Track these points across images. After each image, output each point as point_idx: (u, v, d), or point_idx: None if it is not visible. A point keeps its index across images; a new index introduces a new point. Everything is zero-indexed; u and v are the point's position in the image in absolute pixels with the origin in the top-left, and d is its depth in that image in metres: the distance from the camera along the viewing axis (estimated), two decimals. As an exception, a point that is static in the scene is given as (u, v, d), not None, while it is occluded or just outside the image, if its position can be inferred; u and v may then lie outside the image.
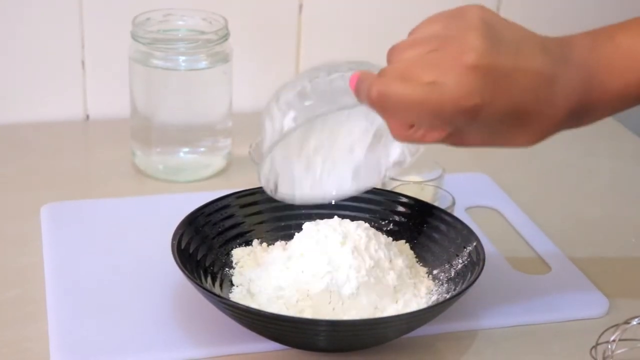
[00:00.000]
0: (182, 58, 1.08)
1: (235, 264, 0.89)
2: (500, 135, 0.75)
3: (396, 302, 0.83)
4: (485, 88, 0.71)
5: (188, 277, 0.81)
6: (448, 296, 0.84)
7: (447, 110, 0.71)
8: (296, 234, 0.88)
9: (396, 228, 0.93)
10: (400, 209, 0.94)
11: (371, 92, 0.71)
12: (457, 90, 0.70)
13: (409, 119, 0.73)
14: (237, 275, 0.88)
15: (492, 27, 0.73)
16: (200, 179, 1.12)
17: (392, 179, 1.00)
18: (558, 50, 0.75)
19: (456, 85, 0.70)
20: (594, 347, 0.80)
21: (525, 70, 0.73)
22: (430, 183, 1.01)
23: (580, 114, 0.76)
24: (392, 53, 0.74)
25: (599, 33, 0.79)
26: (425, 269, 0.89)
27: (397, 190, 0.96)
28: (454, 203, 0.96)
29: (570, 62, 0.75)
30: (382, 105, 0.72)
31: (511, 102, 0.73)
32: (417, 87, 0.71)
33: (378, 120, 0.79)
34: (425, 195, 0.98)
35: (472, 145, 0.76)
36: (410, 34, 0.75)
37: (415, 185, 0.99)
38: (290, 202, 0.84)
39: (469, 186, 1.10)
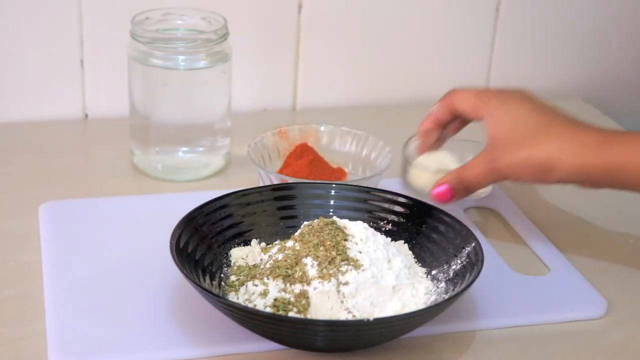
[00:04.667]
0: (181, 57, 1.08)
1: (234, 263, 0.89)
2: None
3: (394, 302, 0.83)
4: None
5: (186, 276, 0.80)
6: (446, 297, 0.83)
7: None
8: (294, 233, 0.88)
9: (395, 228, 0.93)
10: (399, 209, 0.94)
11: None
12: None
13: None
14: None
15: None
16: (199, 178, 1.12)
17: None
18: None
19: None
20: None
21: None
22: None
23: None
24: None
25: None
26: (423, 270, 0.89)
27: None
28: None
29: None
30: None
31: None
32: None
33: None
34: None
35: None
36: None
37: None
38: None
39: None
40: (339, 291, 0.81)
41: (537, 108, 0.93)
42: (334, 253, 0.83)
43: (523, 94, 0.95)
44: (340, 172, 1.05)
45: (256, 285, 0.83)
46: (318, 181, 0.97)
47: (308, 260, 0.83)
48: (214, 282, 0.86)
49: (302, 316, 0.80)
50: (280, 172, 1.02)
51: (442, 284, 0.87)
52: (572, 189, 1.13)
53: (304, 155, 1.03)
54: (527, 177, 0.92)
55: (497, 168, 0.92)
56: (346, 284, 0.81)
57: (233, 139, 1.15)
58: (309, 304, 0.81)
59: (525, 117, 0.92)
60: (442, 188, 0.95)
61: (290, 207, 0.94)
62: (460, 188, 0.95)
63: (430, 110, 1.00)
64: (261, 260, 0.87)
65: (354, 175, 1.05)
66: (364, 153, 1.06)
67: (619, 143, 0.89)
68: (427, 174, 0.99)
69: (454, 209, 0.99)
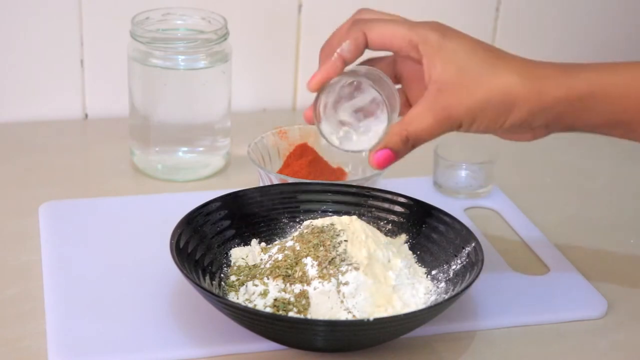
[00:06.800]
0: (181, 57, 1.08)
1: (234, 263, 0.89)
2: None
3: (394, 302, 0.83)
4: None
5: (186, 276, 0.80)
6: (446, 297, 0.84)
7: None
8: (294, 233, 0.88)
9: (395, 228, 0.93)
10: (399, 209, 0.94)
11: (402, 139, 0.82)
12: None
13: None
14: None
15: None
16: (199, 178, 1.12)
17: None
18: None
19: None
20: None
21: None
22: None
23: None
24: None
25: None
26: (423, 270, 0.89)
27: None
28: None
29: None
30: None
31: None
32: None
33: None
34: None
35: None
36: None
37: None
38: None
39: (468, 187, 1.10)
40: (339, 291, 0.81)
41: (479, 42, 0.81)
42: (334, 253, 0.83)
43: (445, 25, 0.83)
44: (340, 172, 1.05)
45: (256, 285, 0.83)
46: (318, 181, 0.97)
47: (308, 260, 0.83)
48: (214, 282, 0.86)
49: (302, 316, 0.81)
50: (280, 172, 1.02)
51: (442, 284, 0.87)
52: (572, 189, 1.13)
53: (304, 155, 1.03)
54: (483, 122, 0.79)
55: (453, 116, 0.80)
56: (346, 284, 0.81)
57: (233, 139, 1.15)
58: (309, 304, 0.81)
59: (474, 53, 0.80)
60: (383, 153, 0.82)
61: (290, 207, 0.94)
62: (406, 147, 0.82)
63: (334, 49, 0.83)
64: (261, 260, 0.87)
65: (354, 175, 1.05)
66: (364, 153, 1.06)
67: (581, 72, 0.80)
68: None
69: (454, 209, 0.99)
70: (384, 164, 0.83)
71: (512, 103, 0.79)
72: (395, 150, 0.82)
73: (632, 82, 0.79)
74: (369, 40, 0.83)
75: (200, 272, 0.85)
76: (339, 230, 0.85)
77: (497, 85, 0.79)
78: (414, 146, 0.82)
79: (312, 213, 0.94)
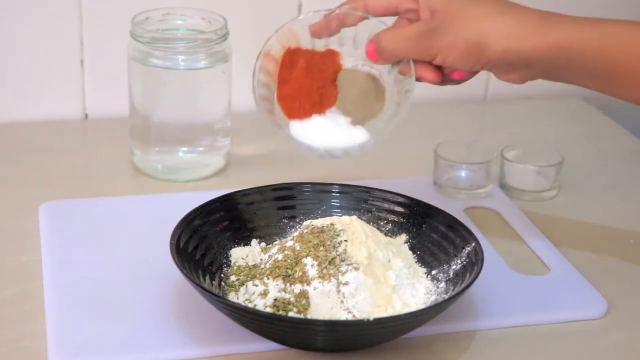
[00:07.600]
0: (181, 57, 1.08)
1: (234, 263, 0.89)
2: None
3: (394, 302, 0.83)
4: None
5: (186, 276, 0.81)
6: (446, 297, 0.84)
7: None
8: (294, 233, 0.88)
9: (395, 228, 0.93)
10: (399, 209, 0.94)
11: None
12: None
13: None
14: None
15: None
16: (199, 178, 1.12)
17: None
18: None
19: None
20: None
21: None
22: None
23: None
24: None
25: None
26: (424, 270, 0.89)
27: None
28: None
29: None
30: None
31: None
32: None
33: None
34: None
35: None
36: None
37: None
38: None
39: (468, 187, 1.10)
40: (339, 291, 0.81)
41: None
42: (334, 253, 0.83)
43: None
44: (332, 55, 0.94)
45: (256, 285, 0.83)
46: (318, 181, 0.97)
47: (308, 260, 0.83)
48: (214, 282, 0.86)
49: (302, 316, 0.81)
50: (280, 92, 0.93)
51: (442, 284, 0.87)
52: (570, 189, 1.13)
53: (294, 61, 0.94)
54: (457, 57, 0.85)
55: (434, 47, 0.86)
56: (346, 284, 0.81)
57: (233, 139, 1.15)
58: (309, 304, 0.81)
59: None
60: (370, 45, 0.89)
61: (290, 207, 0.94)
62: (380, 53, 0.89)
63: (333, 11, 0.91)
64: (261, 260, 0.87)
65: (349, 55, 0.94)
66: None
67: (560, 23, 0.84)
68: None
69: (454, 209, 0.99)
70: (370, 55, 0.89)
71: (486, 44, 0.84)
72: (375, 49, 0.89)
73: (607, 37, 0.84)
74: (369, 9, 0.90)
75: (200, 272, 0.85)
76: (339, 230, 0.85)
77: (476, 26, 0.84)
78: (385, 58, 0.89)
79: (312, 213, 0.94)
